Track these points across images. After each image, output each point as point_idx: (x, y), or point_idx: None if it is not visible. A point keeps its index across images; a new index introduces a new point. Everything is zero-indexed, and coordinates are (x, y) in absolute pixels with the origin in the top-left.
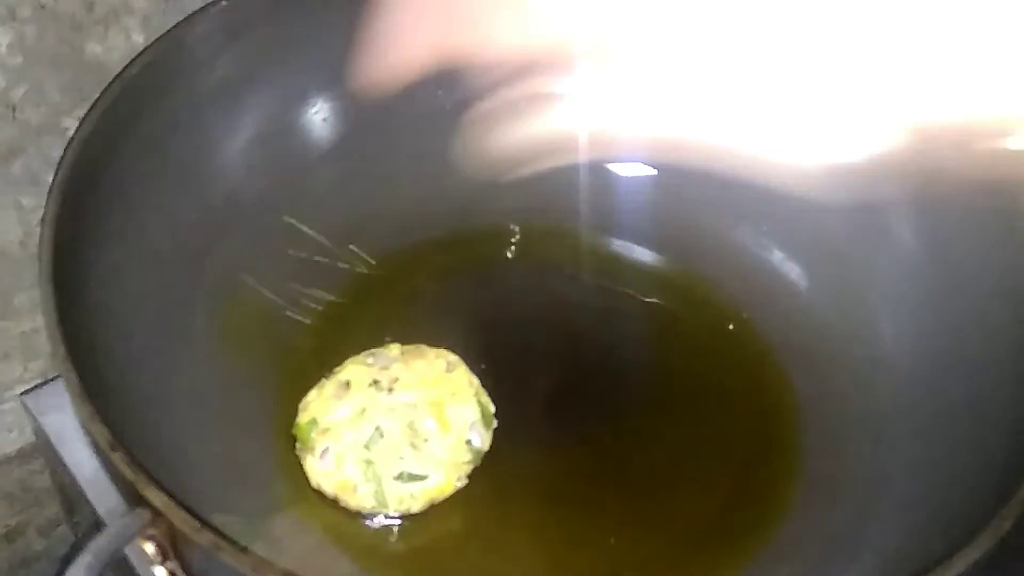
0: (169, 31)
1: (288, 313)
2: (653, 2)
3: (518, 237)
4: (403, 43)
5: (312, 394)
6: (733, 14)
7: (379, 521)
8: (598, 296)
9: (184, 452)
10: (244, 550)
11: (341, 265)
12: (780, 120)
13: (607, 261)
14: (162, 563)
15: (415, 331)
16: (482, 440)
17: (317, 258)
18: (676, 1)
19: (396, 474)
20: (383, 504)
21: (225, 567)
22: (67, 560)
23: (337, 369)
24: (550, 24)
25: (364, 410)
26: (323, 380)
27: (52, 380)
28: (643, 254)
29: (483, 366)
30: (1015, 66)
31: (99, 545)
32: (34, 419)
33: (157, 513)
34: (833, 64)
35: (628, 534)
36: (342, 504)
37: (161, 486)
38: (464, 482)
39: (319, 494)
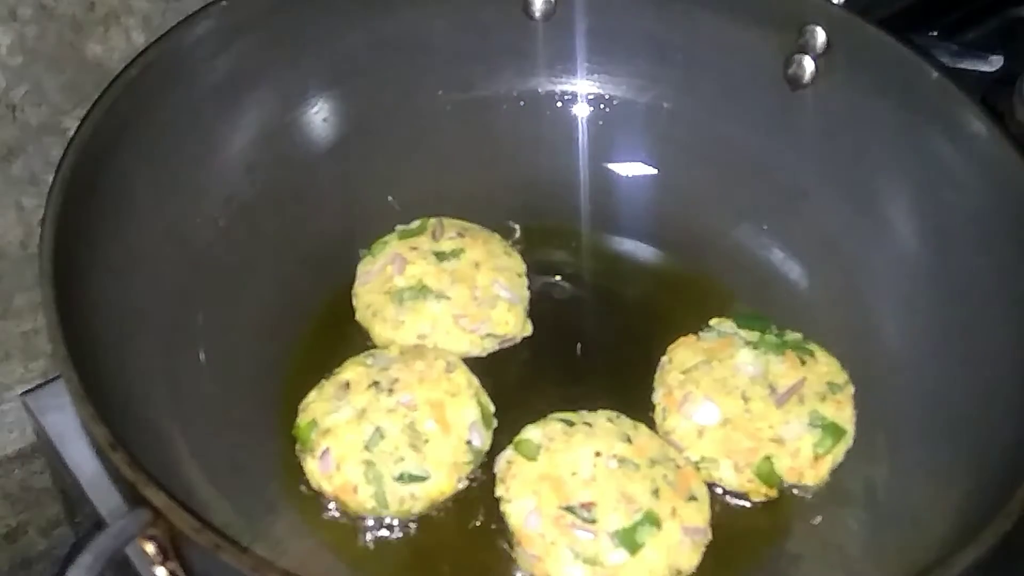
0: (169, 31)
1: (288, 313)
2: None
3: (518, 237)
4: None
5: (312, 395)
6: None
7: (380, 522)
8: (598, 296)
9: (184, 452)
10: (244, 550)
11: (341, 264)
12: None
13: (607, 261)
14: (162, 563)
15: None
16: (482, 440)
17: (317, 257)
18: None
19: (396, 475)
20: (383, 505)
21: (225, 567)
22: (68, 560)
23: (337, 370)
24: None
25: (364, 411)
26: (323, 381)
27: (52, 380)
28: (643, 254)
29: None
30: None
31: (100, 545)
32: (35, 419)
33: (157, 513)
34: None
35: None
36: (342, 505)
37: (161, 486)
38: (465, 483)
39: (319, 495)
